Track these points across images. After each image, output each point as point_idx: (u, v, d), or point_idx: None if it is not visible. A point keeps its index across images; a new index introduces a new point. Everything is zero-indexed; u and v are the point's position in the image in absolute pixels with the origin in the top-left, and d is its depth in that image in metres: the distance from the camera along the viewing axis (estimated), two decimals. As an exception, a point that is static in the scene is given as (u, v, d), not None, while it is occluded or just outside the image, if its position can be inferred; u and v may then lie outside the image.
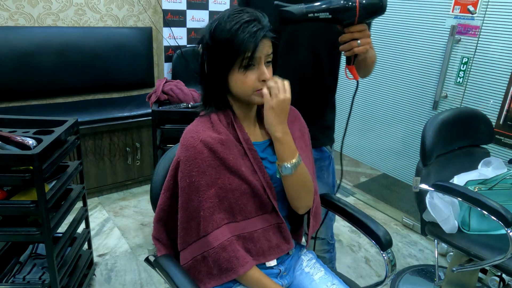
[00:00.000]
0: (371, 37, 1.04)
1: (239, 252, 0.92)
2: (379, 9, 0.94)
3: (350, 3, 0.92)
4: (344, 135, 1.14)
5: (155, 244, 1.05)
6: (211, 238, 0.92)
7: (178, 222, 0.97)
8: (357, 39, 0.98)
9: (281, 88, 0.88)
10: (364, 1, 0.92)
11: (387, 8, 0.96)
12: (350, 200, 2.73)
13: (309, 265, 1.11)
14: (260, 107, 1.06)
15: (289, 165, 0.92)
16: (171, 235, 1.04)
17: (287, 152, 0.92)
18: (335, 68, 1.26)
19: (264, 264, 1.01)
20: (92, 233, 2.07)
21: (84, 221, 1.66)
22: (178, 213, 0.97)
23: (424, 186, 1.51)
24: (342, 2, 0.93)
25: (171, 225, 1.02)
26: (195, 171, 0.91)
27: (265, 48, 0.90)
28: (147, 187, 2.70)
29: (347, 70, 1.06)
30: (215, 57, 0.91)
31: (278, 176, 0.99)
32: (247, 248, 0.96)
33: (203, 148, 0.91)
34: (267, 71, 0.91)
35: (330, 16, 0.94)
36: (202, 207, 0.92)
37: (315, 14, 0.94)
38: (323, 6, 0.93)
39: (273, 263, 1.02)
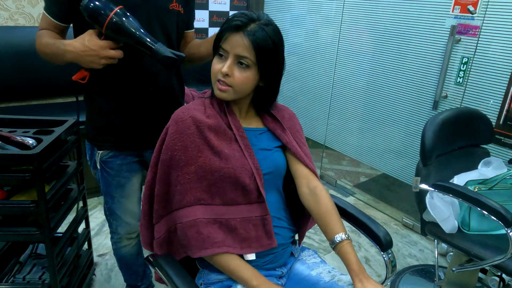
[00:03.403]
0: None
1: (201, 236, 0.91)
2: None
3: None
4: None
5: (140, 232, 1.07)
6: (182, 213, 0.93)
7: (154, 195, 0.99)
8: None
9: None
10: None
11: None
12: (350, 200, 2.73)
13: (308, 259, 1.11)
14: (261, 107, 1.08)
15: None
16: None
17: None
18: None
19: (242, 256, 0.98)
20: (92, 233, 2.07)
21: (84, 221, 1.66)
22: (156, 185, 0.98)
23: (424, 186, 1.51)
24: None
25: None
26: (178, 145, 0.94)
27: (238, 45, 0.92)
28: (147, 187, 2.68)
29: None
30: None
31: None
32: (225, 234, 0.94)
33: (191, 123, 0.94)
34: (227, 66, 0.93)
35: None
36: (179, 181, 0.93)
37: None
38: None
39: (251, 257, 0.98)
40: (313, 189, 1.05)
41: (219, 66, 0.95)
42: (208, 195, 0.94)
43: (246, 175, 0.96)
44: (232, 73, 0.93)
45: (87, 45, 1.01)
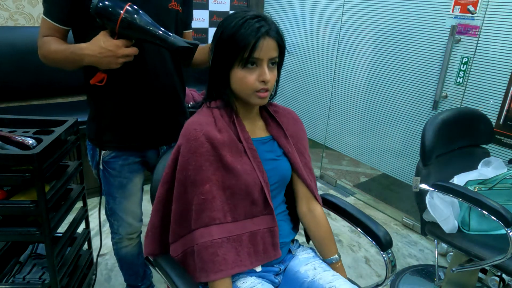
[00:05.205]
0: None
1: (217, 257, 0.90)
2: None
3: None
4: None
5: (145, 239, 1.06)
6: (198, 234, 0.92)
7: (171, 214, 0.98)
8: None
9: None
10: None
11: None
12: (350, 200, 2.73)
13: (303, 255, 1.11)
14: (262, 108, 1.07)
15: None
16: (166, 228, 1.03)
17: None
18: None
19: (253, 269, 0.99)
20: (92, 233, 2.07)
21: (84, 221, 1.66)
22: (172, 204, 0.97)
23: (424, 186, 1.51)
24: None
25: (169, 219, 1.01)
26: (192, 164, 0.92)
27: (269, 49, 0.90)
28: (147, 187, 2.68)
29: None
30: (219, 51, 0.93)
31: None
32: (237, 251, 0.94)
33: (205, 141, 0.92)
34: (268, 72, 0.91)
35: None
36: (194, 202, 0.92)
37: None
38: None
39: (258, 269, 1.00)
40: (313, 211, 1.10)
41: (254, 77, 0.91)
42: (221, 214, 0.93)
43: (255, 189, 0.96)
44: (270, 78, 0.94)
45: (103, 46, 0.99)
